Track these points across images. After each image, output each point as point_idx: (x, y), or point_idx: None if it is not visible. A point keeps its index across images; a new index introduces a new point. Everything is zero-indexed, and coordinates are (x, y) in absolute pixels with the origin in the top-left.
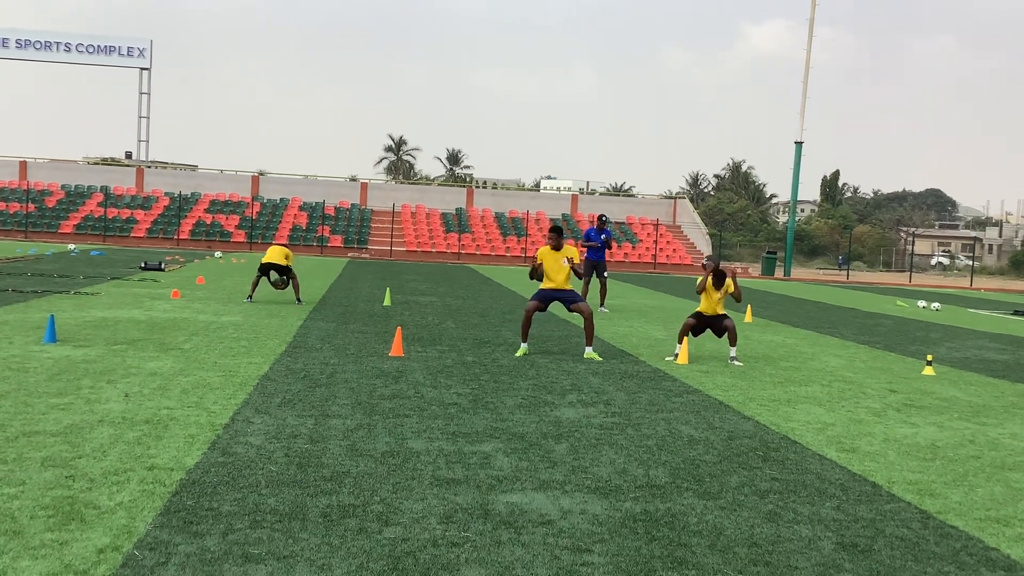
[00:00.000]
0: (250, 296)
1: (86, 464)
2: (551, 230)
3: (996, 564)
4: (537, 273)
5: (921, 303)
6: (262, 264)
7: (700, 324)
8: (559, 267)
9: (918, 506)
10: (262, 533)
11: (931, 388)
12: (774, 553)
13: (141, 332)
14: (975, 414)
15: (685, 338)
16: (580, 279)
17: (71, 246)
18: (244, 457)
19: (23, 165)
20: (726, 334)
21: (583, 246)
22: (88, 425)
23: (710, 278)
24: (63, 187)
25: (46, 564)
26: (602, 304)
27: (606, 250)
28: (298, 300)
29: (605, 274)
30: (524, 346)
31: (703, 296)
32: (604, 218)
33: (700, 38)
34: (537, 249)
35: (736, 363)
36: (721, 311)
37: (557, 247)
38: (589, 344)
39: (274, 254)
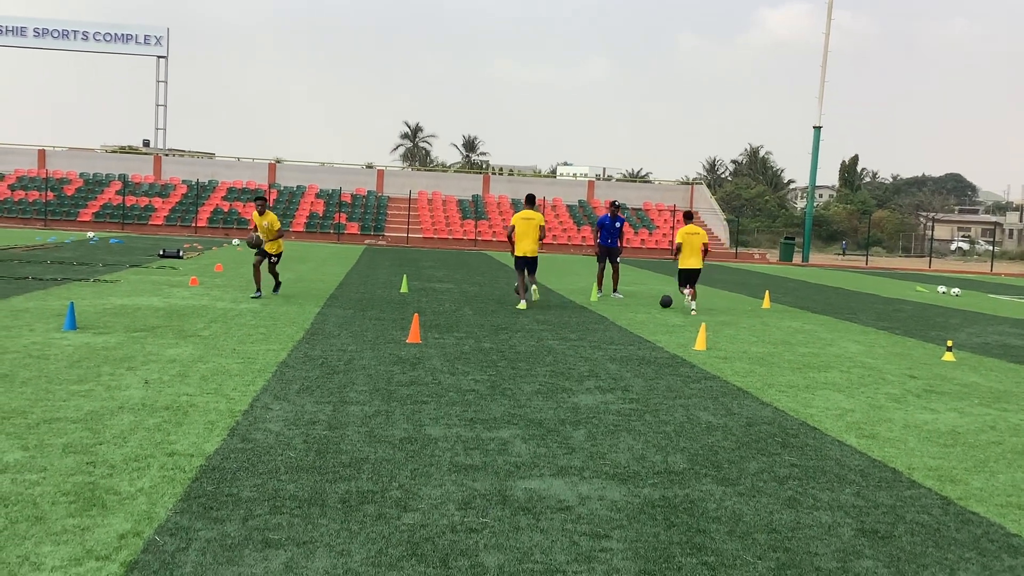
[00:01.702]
0: (259, 291)
1: (107, 450)
2: (526, 197)
3: (1018, 551)
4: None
5: (941, 288)
6: (261, 249)
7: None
8: (528, 231)
9: (939, 492)
10: (281, 519)
11: (951, 374)
12: (793, 539)
13: (160, 319)
14: (996, 400)
15: (703, 324)
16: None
17: (90, 234)
18: (263, 443)
19: (42, 153)
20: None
21: (597, 241)
22: (108, 412)
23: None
24: (81, 175)
25: (68, 550)
26: (615, 290)
27: (620, 237)
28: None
29: (618, 259)
30: (523, 302)
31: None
32: (617, 203)
33: (717, 22)
34: (511, 218)
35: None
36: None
37: (530, 206)
38: (527, 292)
39: (266, 234)
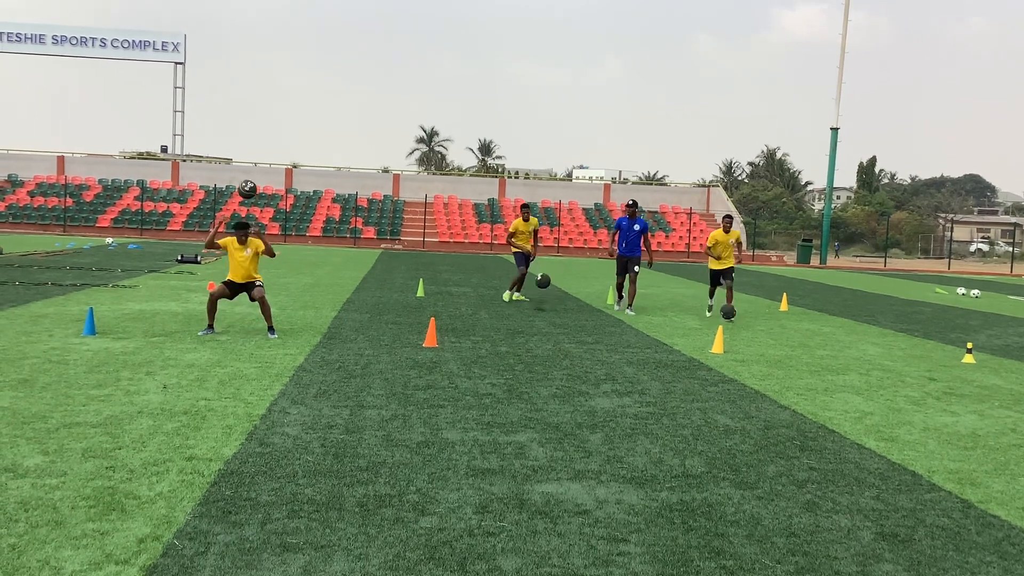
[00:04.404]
0: (210, 326)
1: (126, 455)
2: (522, 206)
3: None
4: (513, 241)
5: (960, 290)
6: (229, 282)
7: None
8: (526, 236)
9: (959, 495)
10: (300, 523)
11: (971, 376)
12: (812, 543)
13: (178, 324)
14: (1017, 402)
15: (720, 327)
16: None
17: (109, 239)
18: (281, 447)
19: (61, 160)
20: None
21: (610, 251)
22: (127, 416)
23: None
24: (100, 181)
25: (88, 554)
26: (629, 305)
27: (642, 243)
28: (270, 330)
29: (636, 269)
30: (513, 293)
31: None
32: (634, 203)
33: (732, 24)
34: (513, 223)
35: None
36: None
37: (526, 219)
38: (517, 289)
39: (241, 267)
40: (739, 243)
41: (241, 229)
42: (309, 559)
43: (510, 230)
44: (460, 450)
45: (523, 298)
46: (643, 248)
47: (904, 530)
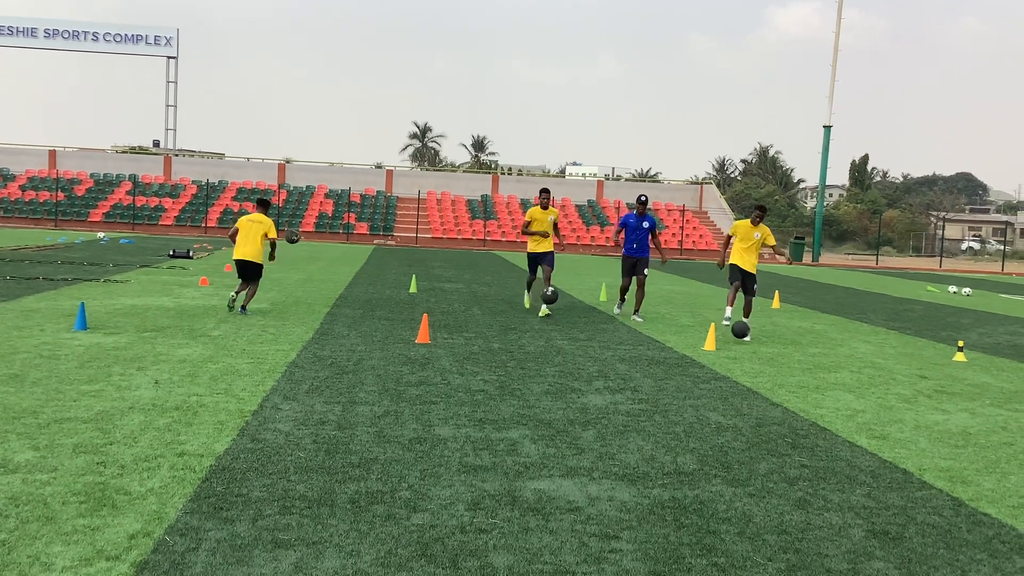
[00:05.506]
0: (235, 299)
1: (117, 450)
2: (542, 190)
3: None
4: (528, 230)
5: (952, 288)
6: (236, 261)
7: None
8: (545, 226)
9: (950, 493)
10: (291, 519)
11: (962, 374)
12: (804, 540)
13: (170, 319)
14: (1007, 400)
15: (713, 324)
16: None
17: (100, 234)
18: (273, 443)
19: (52, 154)
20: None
21: (615, 242)
22: (119, 412)
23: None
24: (92, 176)
25: (78, 550)
26: (636, 310)
27: (650, 243)
28: (241, 307)
29: (646, 272)
30: (528, 299)
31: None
32: (645, 199)
33: (726, 22)
34: (529, 211)
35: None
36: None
37: (544, 206)
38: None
39: (248, 242)
40: (768, 244)
41: (263, 205)
42: (301, 555)
43: (525, 219)
44: (452, 447)
45: (529, 306)
46: (652, 246)
47: (895, 528)
